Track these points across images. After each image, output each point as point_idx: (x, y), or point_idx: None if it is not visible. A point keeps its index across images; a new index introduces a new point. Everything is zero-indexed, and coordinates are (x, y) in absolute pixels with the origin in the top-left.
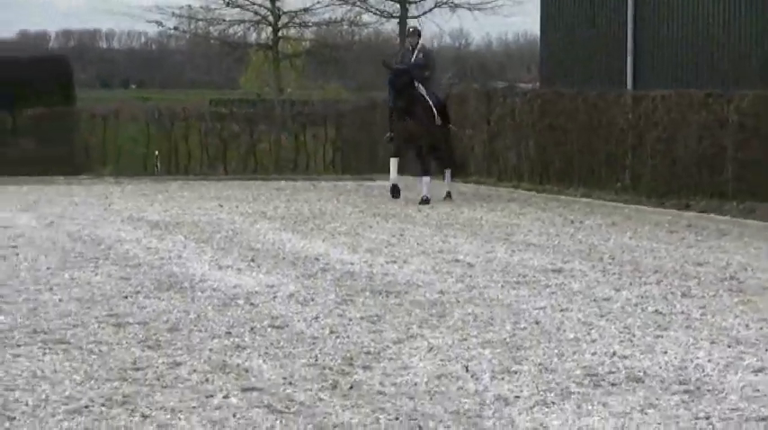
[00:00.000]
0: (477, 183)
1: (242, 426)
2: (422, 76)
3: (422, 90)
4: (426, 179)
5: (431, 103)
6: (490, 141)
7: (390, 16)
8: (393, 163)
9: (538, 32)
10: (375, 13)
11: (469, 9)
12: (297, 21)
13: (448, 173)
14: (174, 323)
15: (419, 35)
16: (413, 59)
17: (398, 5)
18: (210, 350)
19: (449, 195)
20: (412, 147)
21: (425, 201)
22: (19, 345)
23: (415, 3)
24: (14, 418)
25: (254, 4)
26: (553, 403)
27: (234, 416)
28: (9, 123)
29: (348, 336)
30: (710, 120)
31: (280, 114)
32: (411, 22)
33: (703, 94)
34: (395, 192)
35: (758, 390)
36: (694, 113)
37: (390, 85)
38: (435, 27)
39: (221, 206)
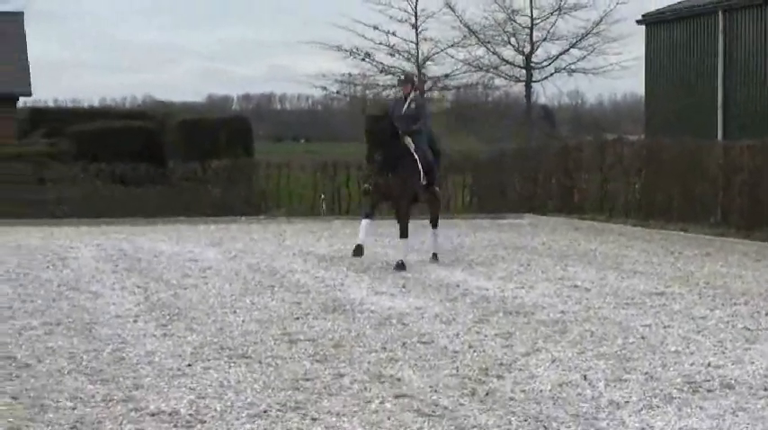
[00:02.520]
0: (591, 220)
1: (395, 428)
2: (410, 129)
3: (410, 145)
4: (401, 242)
5: (417, 158)
6: (602, 184)
7: (517, 80)
8: (363, 224)
9: (643, 92)
10: (505, 78)
11: (584, 73)
12: (439, 85)
13: (434, 233)
14: (337, 340)
15: (413, 83)
16: (404, 110)
17: (524, 71)
18: (369, 363)
19: (435, 257)
20: (390, 205)
21: (400, 266)
22: (208, 360)
23: (538, 69)
24: (205, 422)
25: (403, 71)
26: (658, 407)
27: (388, 418)
28: (200, 173)
29: (484, 350)
30: None
31: None
32: (533, 86)
33: None
34: (358, 251)
35: None
36: None
37: (366, 134)
38: (555, 89)
39: (376, 241)
